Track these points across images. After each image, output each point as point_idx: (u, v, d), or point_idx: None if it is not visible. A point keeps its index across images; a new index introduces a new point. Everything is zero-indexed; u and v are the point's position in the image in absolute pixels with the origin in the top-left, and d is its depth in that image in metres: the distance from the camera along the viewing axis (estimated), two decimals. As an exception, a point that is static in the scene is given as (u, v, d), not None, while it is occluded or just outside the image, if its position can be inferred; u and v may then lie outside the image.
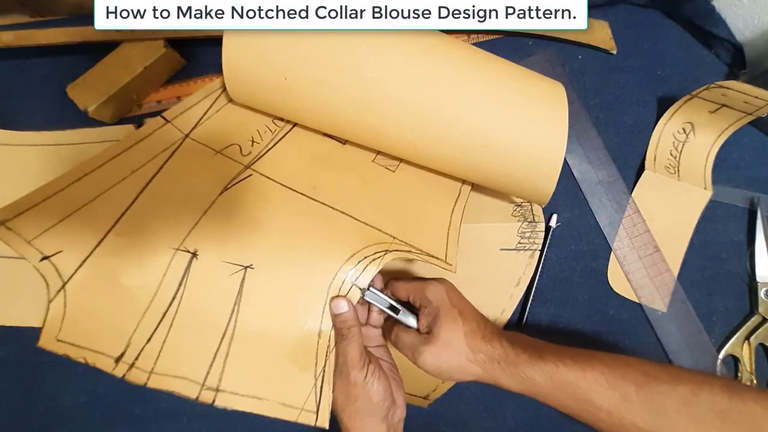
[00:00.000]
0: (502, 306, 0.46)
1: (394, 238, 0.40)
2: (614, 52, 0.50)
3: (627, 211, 0.48)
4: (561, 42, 0.50)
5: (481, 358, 0.36)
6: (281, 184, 0.41)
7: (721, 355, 0.46)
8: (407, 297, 0.39)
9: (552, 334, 0.47)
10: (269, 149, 0.43)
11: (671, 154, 0.49)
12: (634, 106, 0.50)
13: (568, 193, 0.49)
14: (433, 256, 0.40)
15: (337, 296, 0.37)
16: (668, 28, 0.52)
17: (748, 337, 0.46)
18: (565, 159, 0.49)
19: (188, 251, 0.36)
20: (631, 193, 0.48)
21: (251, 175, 0.41)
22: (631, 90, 0.50)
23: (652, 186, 0.48)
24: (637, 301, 0.47)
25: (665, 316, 0.47)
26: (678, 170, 0.48)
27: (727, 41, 0.50)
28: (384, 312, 0.39)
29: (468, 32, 0.50)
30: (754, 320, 0.46)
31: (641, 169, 0.49)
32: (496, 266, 0.47)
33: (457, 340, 0.36)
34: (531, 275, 0.47)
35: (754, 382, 0.46)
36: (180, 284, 0.36)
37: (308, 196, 0.40)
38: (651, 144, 0.49)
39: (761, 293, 0.46)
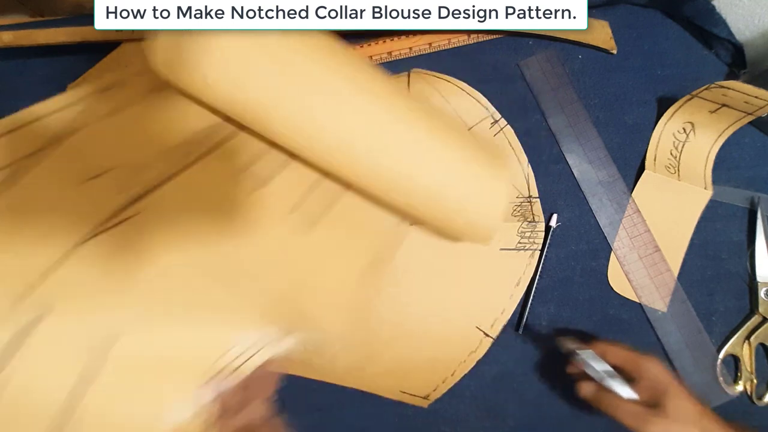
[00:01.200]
0: (502, 306, 0.46)
1: (295, 315, 0.36)
2: (614, 52, 0.50)
3: (627, 211, 0.48)
4: (561, 42, 0.50)
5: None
6: (175, 231, 0.33)
7: (721, 355, 0.46)
8: (619, 363, 0.39)
9: (552, 333, 0.47)
10: (167, 181, 0.34)
11: (671, 154, 0.49)
12: (635, 106, 0.50)
13: (568, 193, 0.49)
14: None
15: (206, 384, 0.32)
16: (668, 28, 0.52)
17: (748, 337, 0.46)
18: (565, 159, 0.49)
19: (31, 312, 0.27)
20: (632, 193, 0.48)
21: (138, 214, 0.32)
22: (632, 90, 0.50)
23: (653, 186, 0.48)
24: (637, 301, 0.47)
25: (665, 316, 0.47)
26: (678, 170, 0.48)
27: (728, 41, 0.50)
28: (596, 375, 0.39)
29: (468, 32, 0.50)
30: (754, 320, 0.46)
31: (641, 169, 0.49)
32: (495, 266, 0.46)
33: (687, 417, 0.36)
34: (531, 275, 0.47)
35: (754, 382, 0.46)
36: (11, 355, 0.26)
37: (209, 252, 0.34)
38: (651, 144, 0.49)
39: (761, 293, 0.46)
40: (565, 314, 0.47)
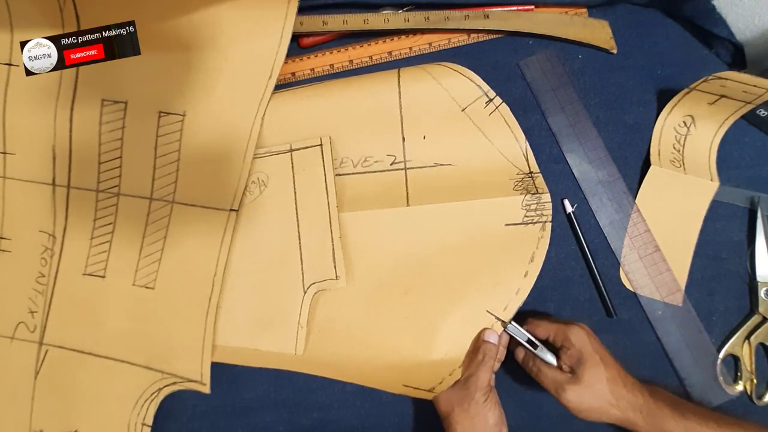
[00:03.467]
0: (516, 286, 0.45)
1: (162, 373, 0.44)
2: (614, 51, 0.50)
3: (627, 211, 0.48)
4: (561, 42, 0.50)
5: (623, 404, 0.39)
6: (73, 350, 0.45)
7: (721, 355, 0.46)
8: (546, 336, 0.43)
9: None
10: (48, 313, 0.45)
11: (674, 148, 0.49)
12: (635, 105, 0.50)
13: (568, 192, 0.49)
14: (191, 380, 0.44)
15: (490, 329, 0.44)
16: (668, 27, 0.52)
17: (748, 337, 0.46)
18: (565, 159, 0.49)
19: None
20: (637, 190, 0.48)
21: (48, 351, 0.44)
22: (632, 89, 0.50)
23: (660, 181, 0.48)
24: (637, 300, 0.47)
25: (665, 316, 0.47)
26: (683, 163, 0.48)
27: (728, 41, 0.50)
28: (523, 346, 0.43)
29: (468, 32, 0.50)
30: (755, 320, 0.46)
31: (642, 168, 0.49)
32: (503, 244, 0.45)
33: (600, 384, 0.40)
34: (546, 249, 0.46)
35: (754, 381, 0.46)
36: None
37: (94, 354, 0.45)
38: (653, 140, 0.49)
39: (761, 293, 0.46)
40: (564, 314, 0.47)
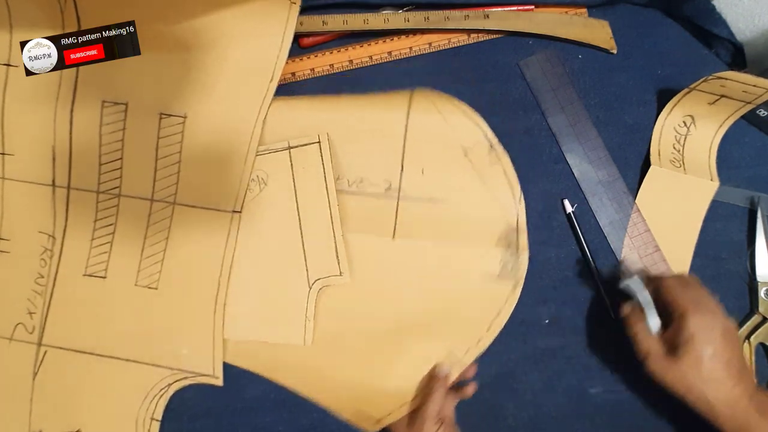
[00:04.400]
0: (478, 336, 0.46)
1: (171, 369, 0.45)
2: (614, 51, 0.50)
3: (627, 211, 0.48)
4: (561, 42, 0.50)
5: (739, 403, 0.36)
6: (73, 350, 0.45)
7: (721, 355, 0.46)
8: (654, 291, 0.41)
9: (552, 334, 0.47)
10: (47, 314, 0.45)
11: (674, 148, 0.49)
12: (635, 105, 0.50)
13: (568, 192, 0.49)
14: (202, 375, 0.44)
15: (442, 363, 0.44)
16: (668, 27, 0.52)
17: (748, 337, 0.46)
18: (565, 159, 0.49)
19: None
20: (637, 190, 0.48)
21: (46, 352, 0.44)
22: (632, 90, 0.50)
23: (660, 181, 0.48)
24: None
25: (665, 315, 0.47)
26: (683, 163, 0.48)
27: (728, 41, 0.50)
28: (636, 303, 0.41)
29: (468, 32, 0.50)
30: (754, 320, 0.46)
31: (642, 168, 0.49)
32: (474, 294, 0.46)
33: (696, 370, 0.37)
34: (512, 308, 0.45)
35: (754, 381, 0.46)
36: None
37: (96, 354, 0.45)
38: (653, 139, 0.49)
39: (761, 293, 0.46)
40: (565, 314, 0.47)
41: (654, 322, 0.40)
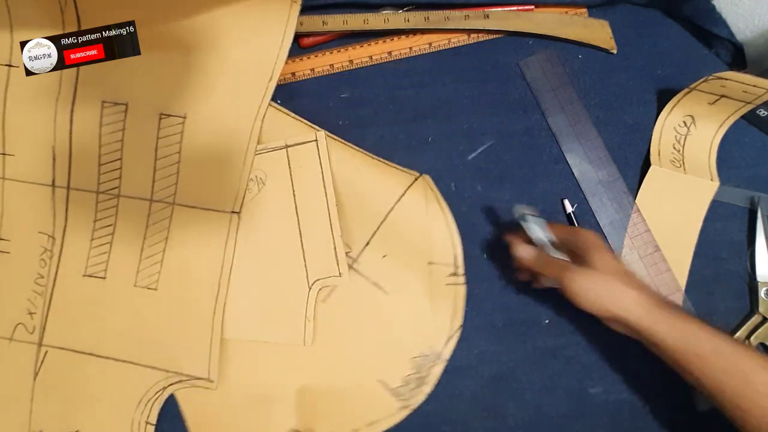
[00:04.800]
0: (354, 427, 0.44)
1: (167, 372, 0.44)
2: (614, 51, 0.50)
3: (627, 211, 0.48)
4: (561, 42, 0.50)
5: (642, 298, 0.36)
6: (73, 350, 0.44)
7: (722, 355, 0.46)
8: (561, 237, 0.41)
9: (552, 334, 0.47)
10: (47, 314, 0.45)
11: (674, 148, 0.49)
12: (635, 105, 0.50)
13: (568, 192, 0.49)
14: (198, 378, 0.44)
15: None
16: (668, 27, 0.52)
17: (748, 337, 0.46)
18: (565, 159, 0.49)
19: None
20: (637, 190, 0.48)
21: (47, 352, 0.44)
22: (632, 89, 0.50)
23: (660, 181, 0.48)
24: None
25: (665, 315, 0.47)
26: (683, 163, 0.48)
27: (728, 41, 0.50)
28: (538, 242, 0.41)
29: (468, 32, 0.50)
30: (755, 320, 0.46)
31: (642, 168, 0.49)
32: (365, 392, 0.44)
33: (612, 269, 0.37)
34: (388, 426, 0.44)
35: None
36: None
37: (95, 355, 0.44)
38: (653, 139, 0.49)
39: (761, 293, 0.46)
40: (565, 314, 0.47)
41: (560, 255, 0.41)
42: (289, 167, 0.46)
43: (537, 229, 0.41)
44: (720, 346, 0.35)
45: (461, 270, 0.46)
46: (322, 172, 0.45)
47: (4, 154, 0.45)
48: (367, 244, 0.46)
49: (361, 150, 0.47)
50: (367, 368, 0.45)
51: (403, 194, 0.46)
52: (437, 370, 0.45)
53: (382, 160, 0.47)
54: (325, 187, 0.45)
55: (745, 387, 0.34)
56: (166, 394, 0.44)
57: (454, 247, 0.46)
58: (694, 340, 0.35)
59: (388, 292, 0.45)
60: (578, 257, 0.39)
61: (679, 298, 0.46)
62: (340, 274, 0.45)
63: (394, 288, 0.45)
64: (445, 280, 0.45)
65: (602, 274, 0.37)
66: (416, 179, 0.47)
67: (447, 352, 0.45)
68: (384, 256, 0.45)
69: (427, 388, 0.44)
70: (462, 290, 0.46)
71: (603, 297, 0.37)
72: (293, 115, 0.47)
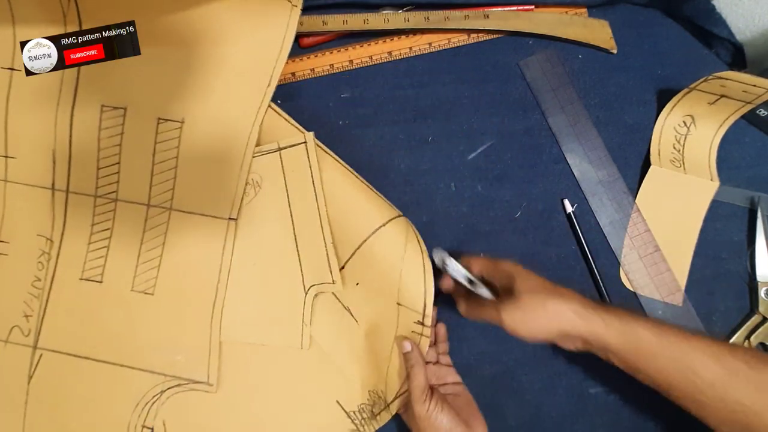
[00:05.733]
0: None
1: (165, 375, 0.44)
2: (614, 51, 0.50)
3: (627, 211, 0.48)
4: (561, 42, 0.50)
5: (574, 306, 0.36)
6: (69, 354, 0.44)
7: (722, 355, 0.46)
8: (480, 272, 0.41)
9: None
10: (43, 317, 0.45)
11: (674, 148, 0.49)
12: (635, 105, 0.50)
13: (568, 192, 0.49)
14: (196, 382, 0.44)
15: (404, 337, 0.42)
16: (668, 27, 0.52)
17: (748, 337, 0.46)
18: (565, 158, 0.49)
19: None
20: (637, 190, 0.48)
21: (42, 355, 0.44)
22: (632, 89, 0.50)
23: (660, 180, 0.48)
24: (637, 300, 0.47)
25: (665, 315, 0.47)
26: (683, 163, 0.48)
27: (728, 41, 0.50)
28: (460, 284, 0.41)
29: (468, 32, 0.50)
30: (755, 320, 0.46)
31: (642, 168, 0.49)
32: (323, 419, 0.44)
33: (536, 296, 0.37)
34: None
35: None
36: None
37: (91, 358, 0.44)
38: (653, 139, 0.49)
39: (761, 293, 0.46)
40: (565, 314, 0.47)
41: (485, 291, 0.40)
42: (283, 171, 0.45)
43: (459, 272, 0.41)
44: (663, 342, 0.34)
45: (428, 321, 0.42)
46: (312, 176, 0.44)
47: (6, 156, 0.45)
48: (342, 268, 0.45)
49: (353, 172, 0.46)
50: (329, 385, 0.45)
51: (384, 224, 0.43)
52: (385, 417, 0.43)
53: (372, 188, 0.46)
54: (315, 191, 0.44)
55: (696, 381, 0.33)
56: (164, 398, 0.44)
57: (425, 295, 0.43)
58: (635, 338, 0.35)
59: (357, 321, 0.45)
60: (505, 288, 0.39)
61: (679, 298, 0.46)
62: (333, 281, 0.44)
63: (362, 320, 0.45)
64: (411, 327, 0.43)
65: (530, 299, 0.37)
66: (399, 216, 0.45)
67: (394, 407, 0.43)
68: (357, 284, 0.45)
69: (377, 425, 0.43)
70: (425, 342, 0.43)
71: (539, 319, 0.36)
72: (285, 115, 0.46)
